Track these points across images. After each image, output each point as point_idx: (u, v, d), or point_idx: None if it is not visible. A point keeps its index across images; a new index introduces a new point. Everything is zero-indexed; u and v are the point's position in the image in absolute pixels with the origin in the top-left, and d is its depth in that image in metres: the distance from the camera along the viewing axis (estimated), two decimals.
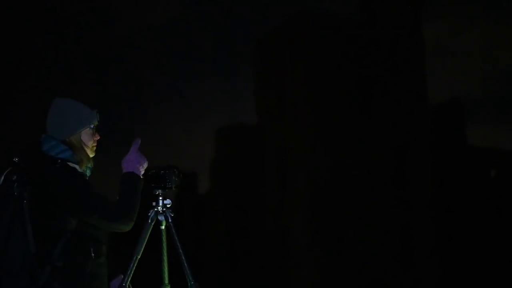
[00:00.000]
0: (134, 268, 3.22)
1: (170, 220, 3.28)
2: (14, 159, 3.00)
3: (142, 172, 3.13)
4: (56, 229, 2.91)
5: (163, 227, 3.29)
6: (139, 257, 3.23)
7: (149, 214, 3.29)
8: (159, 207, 3.30)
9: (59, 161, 2.99)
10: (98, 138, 3.18)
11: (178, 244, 3.24)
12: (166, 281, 3.32)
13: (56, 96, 3.18)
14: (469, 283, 34.06)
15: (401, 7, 33.62)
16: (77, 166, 3.05)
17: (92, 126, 3.13)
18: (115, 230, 3.05)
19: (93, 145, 3.16)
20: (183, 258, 3.24)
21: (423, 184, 31.93)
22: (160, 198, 3.31)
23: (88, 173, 3.15)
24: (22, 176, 2.95)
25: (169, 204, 3.31)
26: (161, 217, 3.29)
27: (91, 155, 3.16)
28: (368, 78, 31.87)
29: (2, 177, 2.95)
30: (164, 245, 3.30)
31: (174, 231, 3.27)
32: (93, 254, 2.97)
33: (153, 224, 3.28)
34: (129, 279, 3.20)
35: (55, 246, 2.88)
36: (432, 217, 31.82)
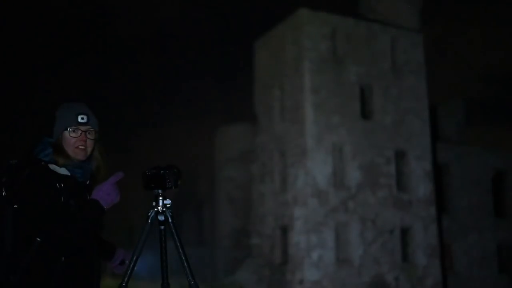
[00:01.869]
0: (134, 268, 3.22)
1: (170, 220, 3.28)
2: (11, 161, 3.08)
3: (108, 206, 3.12)
4: (29, 232, 2.96)
5: (163, 227, 3.29)
6: (139, 257, 3.23)
7: (149, 214, 3.29)
8: (159, 207, 3.30)
9: (42, 163, 3.10)
10: (82, 139, 3.22)
11: (178, 244, 3.24)
12: (166, 281, 3.32)
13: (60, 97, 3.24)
14: (468, 282, 34.09)
15: (401, 7, 33.64)
16: (56, 167, 3.12)
17: (70, 128, 3.19)
18: (54, 246, 3.02)
19: (75, 146, 3.20)
20: (183, 258, 3.24)
21: (423, 184, 31.94)
22: (160, 198, 3.31)
23: (78, 173, 3.20)
24: (11, 178, 3.01)
25: (169, 204, 3.31)
26: (161, 217, 3.29)
27: (74, 155, 3.20)
28: (369, 78, 31.87)
29: None
30: (163, 245, 3.30)
31: (174, 231, 3.27)
32: (62, 259, 3.01)
33: (153, 224, 3.28)
34: (129, 279, 3.20)
35: (27, 249, 2.94)
36: (432, 217, 31.82)
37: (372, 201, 30.63)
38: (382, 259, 30.24)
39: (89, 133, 3.24)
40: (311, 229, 29.30)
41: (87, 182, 3.26)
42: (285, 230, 30.68)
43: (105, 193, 3.09)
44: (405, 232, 31.33)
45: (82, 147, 3.21)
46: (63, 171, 3.14)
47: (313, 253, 29.13)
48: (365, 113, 31.83)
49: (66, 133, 3.19)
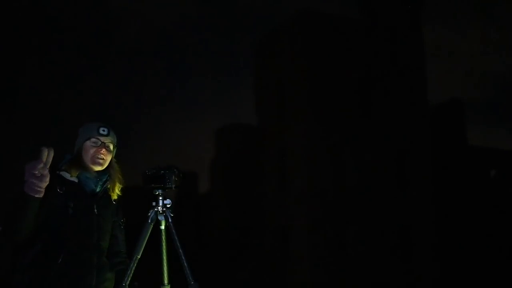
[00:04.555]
0: (134, 268, 3.23)
1: (170, 220, 3.29)
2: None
3: (33, 187, 2.94)
4: (36, 233, 3.18)
5: (163, 227, 3.30)
6: (139, 257, 3.24)
7: (149, 214, 3.30)
8: (159, 207, 3.31)
9: (57, 172, 3.31)
10: (100, 150, 3.40)
11: (178, 244, 3.25)
12: (166, 281, 3.32)
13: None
14: (468, 283, 34.09)
15: (401, 8, 33.64)
16: (67, 174, 3.33)
17: (91, 139, 3.40)
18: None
19: (93, 155, 3.39)
20: (183, 258, 3.24)
21: (423, 185, 31.95)
22: (160, 198, 3.32)
23: (93, 185, 3.38)
24: None
25: (169, 204, 3.32)
26: (161, 217, 3.29)
27: (91, 164, 3.39)
28: (368, 78, 31.89)
29: None
30: (164, 245, 3.30)
31: (174, 231, 3.27)
32: (60, 260, 3.18)
33: (153, 224, 3.29)
34: (129, 279, 3.21)
35: (31, 248, 3.18)
36: (432, 217, 31.83)
37: (372, 201, 30.63)
38: (382, 259, 30.24)
39: (108, 146, 3.43)
40: (311, 228, 29.30)
41: (97, 191, 3.39)
42: (285, 230, 30.68)
43: (27, 177, 2.96)
44: (405, 232, 31.33)
45: (100, 158, 3.38)
46: (72, 178, 3.33)
47: (313, 253, 29.14)
48: (366, 113, 31.83)
49: (87, 143, 3.39)
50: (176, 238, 3.26)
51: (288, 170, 30.87)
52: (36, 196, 2.96)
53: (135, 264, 3.23)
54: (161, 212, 3.31)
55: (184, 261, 3.24)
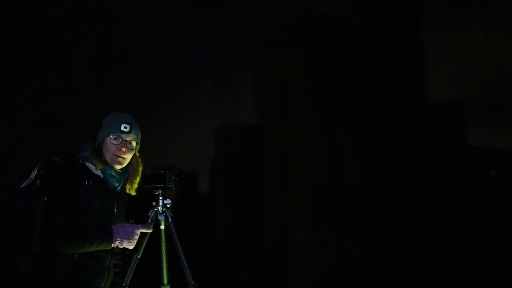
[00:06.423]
0: (134, 268, 3.23)
1: (170, 220, 3.28)
2: (52, 158, 3.21)
3: (120, 244, 3.11)
4: (50, 226, 3.08)
5: (163, 227, 3.29)
6: (139, 257, 3.24)
7: (149, 214, 3.29)
8: (159, 207, 3.30)
9: (80, 161, 3.24)
10: (121, 148, 3.28)
11: (178, 244, 3.25)
12: (166, 281, 3.32)
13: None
14: (469, 283, 34.09)
15: (401, 8, 33.65)
16: (92, 166, 3.23)
17: (112, 135, 3.27)
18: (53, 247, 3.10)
19: (115, 154, 3.27)
20: (183, 258, 3.24)
21: (423, 184, 31.95)
22: (160, 198, 3.31)
23: (115, 183, 3.27)
24: (49, 172, 3.14)
25: (169, 204, 3.32)
26: (161, 217, 3.29)
27: (111, 162, 3.27)
28: (368, 79, 31.89)
29: (35, 171, 3.15)
30: (164, 245, 3.30)
31: (174, 231, 3.27)
32: (76, 255, 3.07)
33: (153, 224, 3.28)
34: (129, 279, 3.21)
35: (41, 241, 3.05)
36: (432, 217, 31.83)
37: (372, 201, 30.63)
38: (382, 259, 30.25)
39: (129, 143, 3.31)
40: (311, 228, 29.30)
41: (118, 189, 3.30)
42: (285, 230, 30.68)
43: (124, 233, 3.12)
44: (405, 232, 31.34)
45: (120, 156, 3.28)
46: (97, 172, 3.23)
47: (313, 253, 29.13)
48: (366, 113, 31.84)
49: (107, 139, 3.27)
50: (176, 238, 3.26)
51: (288, 170, 30.87)
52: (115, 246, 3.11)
53: (135, 264, 3.23)
54: (161, 212, 3.31)
55: (184, 261, 3.24)
